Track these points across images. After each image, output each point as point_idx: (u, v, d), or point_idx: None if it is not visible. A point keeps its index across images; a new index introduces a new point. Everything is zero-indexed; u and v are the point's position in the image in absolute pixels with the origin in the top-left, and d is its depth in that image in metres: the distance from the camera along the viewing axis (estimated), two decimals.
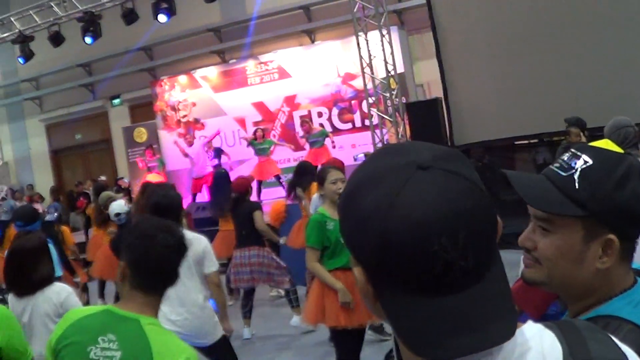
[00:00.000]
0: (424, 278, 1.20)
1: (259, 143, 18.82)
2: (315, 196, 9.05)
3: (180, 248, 3.32)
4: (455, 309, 1.20)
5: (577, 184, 1.79)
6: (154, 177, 19.83)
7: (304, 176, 10.94)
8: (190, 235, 6.18)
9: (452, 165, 1.25)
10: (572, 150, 1.89)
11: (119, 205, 9.38)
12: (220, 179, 11.34)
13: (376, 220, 1.20)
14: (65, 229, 11.22)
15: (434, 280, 1.20)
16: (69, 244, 10.47)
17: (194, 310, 6.13)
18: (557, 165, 1.86)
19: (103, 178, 21.81)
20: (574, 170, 1.81)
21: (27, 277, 5.23)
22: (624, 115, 7.50)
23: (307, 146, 19.10)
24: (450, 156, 1.28)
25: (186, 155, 20.76)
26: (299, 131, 20.16)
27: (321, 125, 19.50)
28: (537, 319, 3.12)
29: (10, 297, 5.40)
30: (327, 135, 18.52)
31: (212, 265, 6.20)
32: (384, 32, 16.11)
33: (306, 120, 19.39)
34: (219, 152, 20.49)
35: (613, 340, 1.40)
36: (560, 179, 1.82)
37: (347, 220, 1.28)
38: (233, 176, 11.78)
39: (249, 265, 9.67)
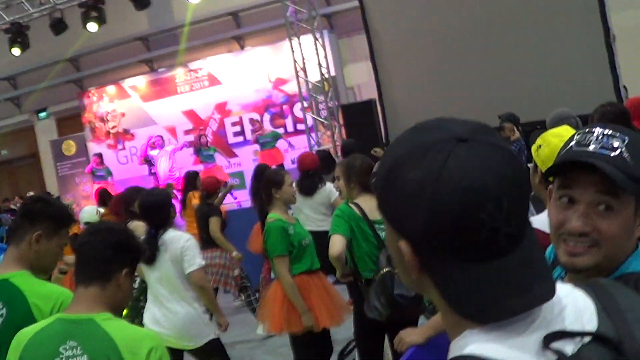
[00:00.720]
0: (472, 244, 1.26)
1: (206, 149, 18.66)
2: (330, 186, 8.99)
3: (107, 232, 3.22)
4: (502, 272, 1.28)
5: (629, 161, 1.83)
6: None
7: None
8: (171, 234, 6.09)
9: (488, 137, 1.33)
10: (600, 129, 1.91)
11: (90, 214, 9.08)
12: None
13: (425, 191, 1.26)
14: None
15: (482, 246, 1.27)
16: None
17: (177, 311, 6.01)
18: (594, 146, 1.87)
19: (31, 194, 21.41)
20: (619, 149, 1.84)
21: None
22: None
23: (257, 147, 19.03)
24: (484, 129, 1.35)
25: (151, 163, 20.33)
26: (230, 137, 20.25)
27: (254, 131, 19.42)
28: None
29: None
30: (279, 137, 18.42)
31: (191, 265, 6.00)
32: (317, 35, 16.18)
33: (257, 120, 19.30)
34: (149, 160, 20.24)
35: (636, 294, 1.47)
36: (613, 159, 1.83)
37: (392, 196, 1.33)
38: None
39: (212, 266, 9.58)
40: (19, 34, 19.16)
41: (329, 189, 8.81)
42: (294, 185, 6.61)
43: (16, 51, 19.42)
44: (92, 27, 18.43)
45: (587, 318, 1.34)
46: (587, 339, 1.31)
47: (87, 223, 8.74)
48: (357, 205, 5.66)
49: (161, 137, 19.83)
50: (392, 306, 5.36)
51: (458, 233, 1.25)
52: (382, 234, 5.51)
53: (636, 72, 13.70)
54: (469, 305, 1.28)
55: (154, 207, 6.12)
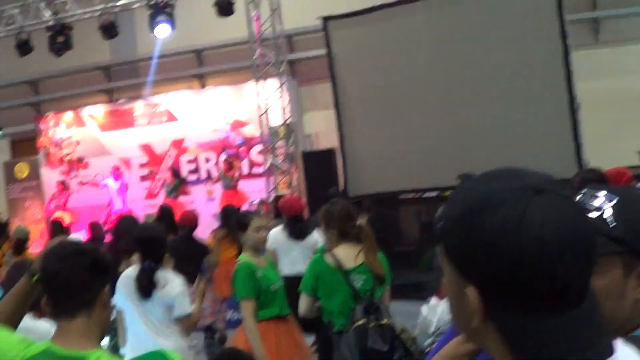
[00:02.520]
0: (544, 295, 1.28)
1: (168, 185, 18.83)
2: (276, 230, 9.05)
3: (78, 253, 2.92)
4: (569, 326, 1.31)
5: (611, 222, 1.83)
6: (61, 215, 19.38)
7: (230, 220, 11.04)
8: (164, 273, 5.97)
9: (562, 190, 1.35)
10: (588, 190, 1.94)
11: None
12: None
13: (504, 239, 1.28)
14: None
15: (553, 297, 1.29)
16: None
17: (163, 344, 5.72)
18: None
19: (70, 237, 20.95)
20: (603, 210, 1.86)
21: None
22: None
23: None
24: (554, 181, 1.37)
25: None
26: (185, 175, 20.23)
27: (208, 171, 19.51)
28: None
29: None
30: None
31: (184, 310, 5.94)
32: (283, 80, 16.45)
33: (230, 160, 19.22)
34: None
35: None
36: (593, 221, 1.84)
37: (465, 241, 1.34)
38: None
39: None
40: None
41: (316, 237, 8.91)
42: (266, 230, 6.61)
43: None
44: (58, 52, 18.04)
45: None
46: None
47: None
48: (332, 255, 5.65)
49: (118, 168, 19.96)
50: (364, 359, 5.38)
51: (533, 283, 1.27)
52: (358, 285, 5.58)
53: (598, 141, 14.01)
54: (535, 355, 1.31)
55: (153, 240, 6.05)
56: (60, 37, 17.85)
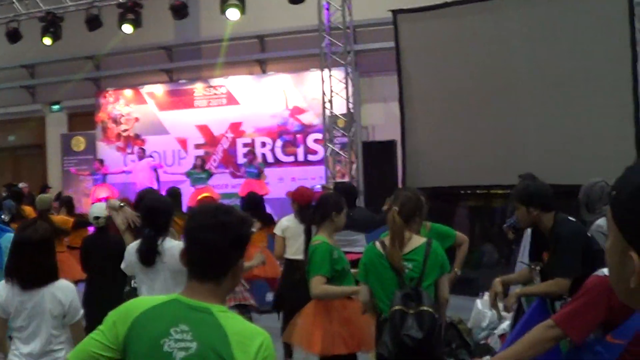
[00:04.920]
0: None
1: (197, 173, 19.06)
2: (285, 219, 9.29)
3: (223, 228, 3.04)
4: None
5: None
6: (103, 191, 19.90)
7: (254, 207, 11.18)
8: (171, 243, 5.95)
9: None
10: None
11: (99, 209, 8.95)
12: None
13: None
14: None
15: None
16: None
17: None
18: None
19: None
20: None
21: (37, 268, 5.13)
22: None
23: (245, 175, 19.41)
24: None
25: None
26: (240, 158, 20.38)
27: (263, 155, 19.73)
28: (578, 343, 3.45)
29: (6, 289, 5.18)
30: (262, 171, 19.01)
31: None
32: (349, 70, 16.58)
33: (252, 150, 19.63)
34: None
35: None
36: None
37: (636, 213, 1.57)
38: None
39: None
40: (52, 24, 18.87)
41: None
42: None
43: (47, 41, 19.08)
44: (127, 28, 18.21)
45: None
46: None
47: (96, 217, 8.61)
48: (381, 242, 5.62)
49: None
50: (398, 345, 5.29)
51: None
52: (405, 272, 5.49)
53: None
54: None
55: (158, 210, 6.11)
56: (130, 15, 17.98)
